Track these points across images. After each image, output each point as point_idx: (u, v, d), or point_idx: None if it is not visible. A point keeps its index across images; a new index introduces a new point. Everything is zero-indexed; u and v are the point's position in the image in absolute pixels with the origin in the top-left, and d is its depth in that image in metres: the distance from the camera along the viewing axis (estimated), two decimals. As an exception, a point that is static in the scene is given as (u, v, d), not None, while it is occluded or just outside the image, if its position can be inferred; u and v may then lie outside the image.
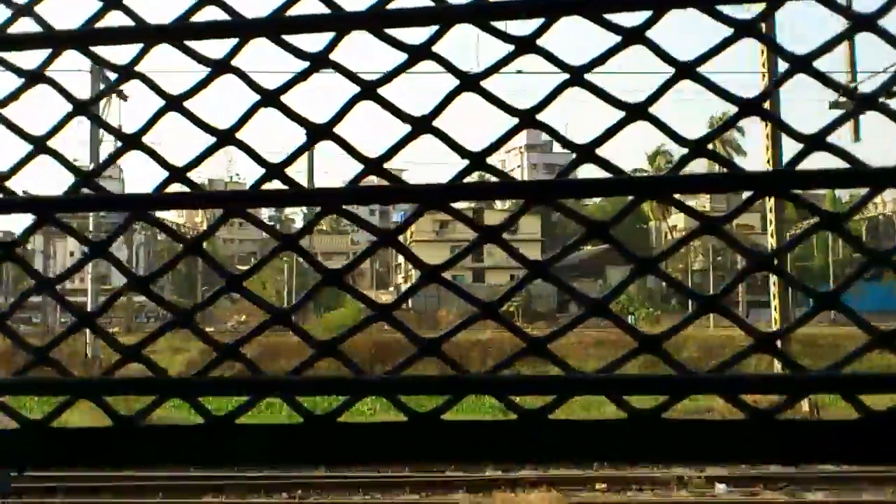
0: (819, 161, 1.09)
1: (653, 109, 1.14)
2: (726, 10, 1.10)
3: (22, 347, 1.16)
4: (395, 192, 1.17)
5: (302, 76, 1.24)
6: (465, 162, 1.16)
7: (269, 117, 1.30)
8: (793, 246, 1.15)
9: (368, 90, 1.21)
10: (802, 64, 1.11)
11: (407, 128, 1.19)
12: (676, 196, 1.11)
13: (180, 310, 1.16)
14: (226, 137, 1.23)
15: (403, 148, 1.20)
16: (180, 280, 58.62)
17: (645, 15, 1.13)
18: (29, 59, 1.36)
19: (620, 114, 1.13)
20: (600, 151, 1.13)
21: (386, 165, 1.19)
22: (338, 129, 1.22)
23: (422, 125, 1.18)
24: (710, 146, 1.12)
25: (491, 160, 1.15)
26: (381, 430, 1.09)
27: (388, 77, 1.21)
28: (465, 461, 1.08)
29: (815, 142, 1.10)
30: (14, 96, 1.32)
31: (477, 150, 1.17)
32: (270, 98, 1.23)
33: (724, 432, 1.04)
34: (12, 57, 1.33)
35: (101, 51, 1.31)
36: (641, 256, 1.11)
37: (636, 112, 1.13)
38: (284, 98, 1.23)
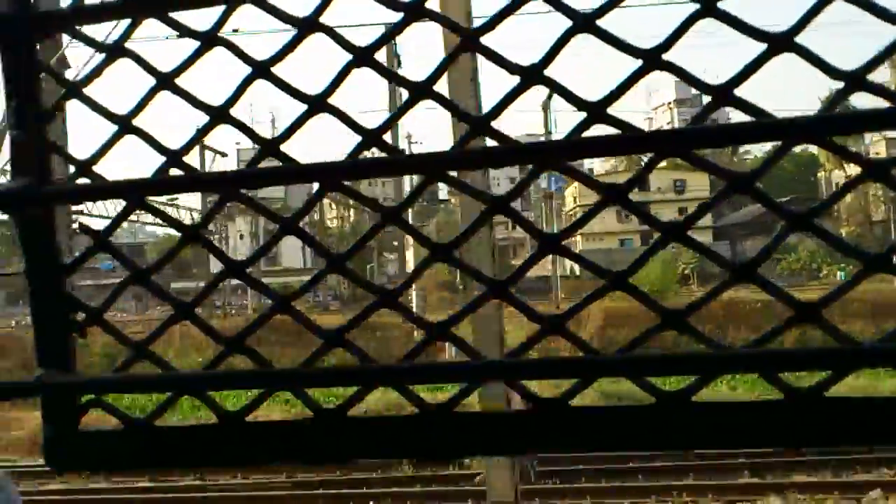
0: None
1: (799, 39, 0.98)
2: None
3: (121, 342, 1.11)
4: (504, 153, 1.05)
5: (397, 29, 1.12)
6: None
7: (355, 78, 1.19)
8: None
9: (470, 39, 1.08)
10: None
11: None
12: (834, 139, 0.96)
13: (279, 295, 1.08)
14: (317, 104, 1.13)
15: (511, 103, 1.08)
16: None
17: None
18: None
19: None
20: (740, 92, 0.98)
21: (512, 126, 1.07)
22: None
23: (532, 76, 1.06)
24: (871, 78, 0.96)
25: (638, 120, 1.01)
26: (501, 420, 0.99)
27: (492, 22, 1.09)
28: (604, 449, 0.97)
29: None
30: (97, 73, 1.25)
31: (595, 100, 1.04)
32: (363, 57, 1.12)
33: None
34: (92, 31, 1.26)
35: (184, 17, 1.23)
36: (794, 210, 0.96)
37: (780, 43, 0.98)
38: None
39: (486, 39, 1.09)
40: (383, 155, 1.08)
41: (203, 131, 1.20)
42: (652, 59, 1.00)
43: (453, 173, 1.08)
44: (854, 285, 0.96)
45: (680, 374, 0.93)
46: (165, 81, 1.20)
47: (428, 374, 0.99)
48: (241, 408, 1.04)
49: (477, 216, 1.08)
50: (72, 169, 1.22)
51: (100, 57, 1.23)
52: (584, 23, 1.02)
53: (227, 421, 1.04)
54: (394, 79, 1.16)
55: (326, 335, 1.07)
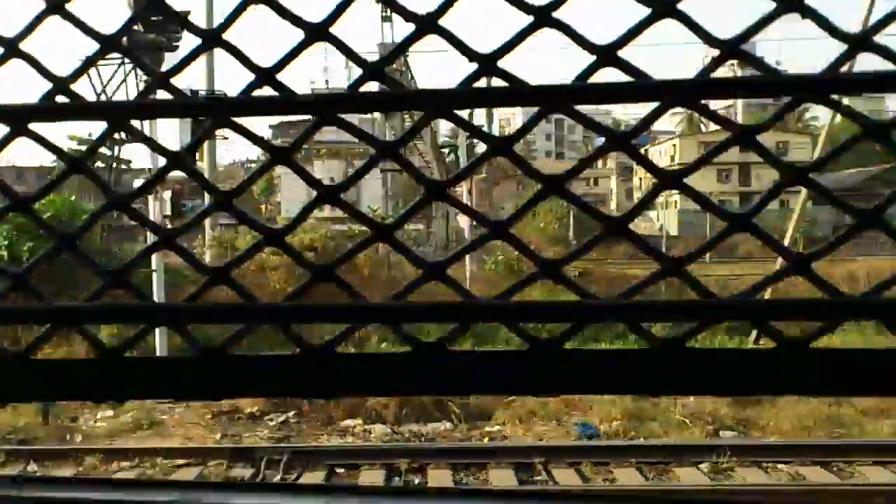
0: None
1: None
2: None
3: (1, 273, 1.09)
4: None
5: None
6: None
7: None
8: None
9: None
10: None
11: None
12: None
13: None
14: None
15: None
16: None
17: None
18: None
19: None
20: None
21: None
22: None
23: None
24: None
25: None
26: (384, 361, 1.01)
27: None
28: (471, 393, 1.01)
29: None
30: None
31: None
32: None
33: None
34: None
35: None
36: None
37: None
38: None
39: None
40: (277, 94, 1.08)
41: (93, 60, 1.18)
42: (542, 15, 1.01)
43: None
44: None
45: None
46: (57, 7, 1.17)
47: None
48: (121, 343, 1.04)
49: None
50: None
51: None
52: None
53: (106, 356, 1.03)
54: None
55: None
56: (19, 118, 1.12)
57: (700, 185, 0.99)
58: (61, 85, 1.14)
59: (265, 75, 1.09)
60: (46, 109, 1.14)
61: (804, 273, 0.96)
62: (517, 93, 0.98)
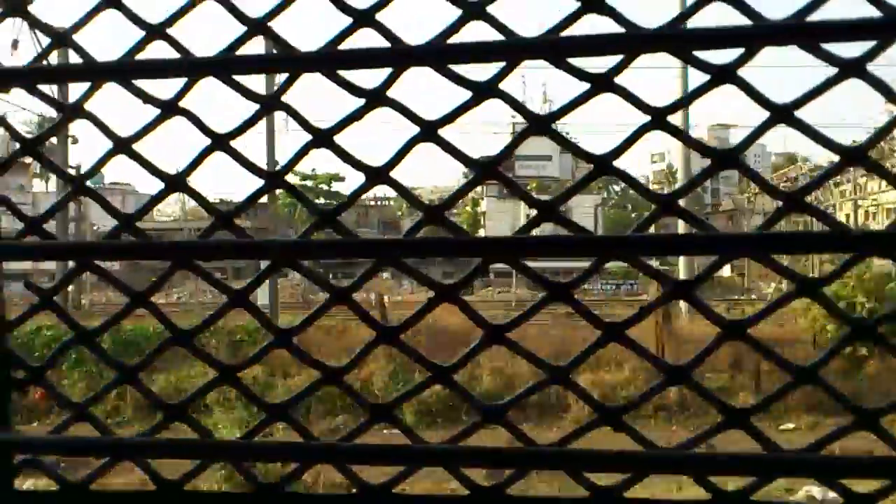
0: None
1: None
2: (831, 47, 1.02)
3: (60, 404, 1.10)
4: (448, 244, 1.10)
5: (357, 115, 1.17)
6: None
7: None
8: None
9: (429, 131, 1.13)
10: None
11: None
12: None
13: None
14: (274, 179, 1.17)
15: (464, 195, 1.13)
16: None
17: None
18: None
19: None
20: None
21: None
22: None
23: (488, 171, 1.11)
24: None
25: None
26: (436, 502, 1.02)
27: (450, 116, 1.14)
28: (530, 538, 1.01)
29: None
30: (54, 131, 1.27)
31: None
32: (324, 139, 1.16)
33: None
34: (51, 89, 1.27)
35: (143, 84, 1.25)
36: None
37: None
38: (339, 139, 1.16)
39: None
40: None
41: (157, 199, 1.22)
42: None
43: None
44: (783, 395, 1.02)
45: (611, 471, 0.97)
46: (123, 146, 1.22)
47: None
48: (180, 476, 1.05)
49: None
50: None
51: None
52: (539, 124, 1.08)
53: (164, 488, 1.04)
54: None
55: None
56: (86, 256, 1.16)
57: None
58: (127, 222, 1.18)
59: (328, 218, 1.14)
60: (114, 247, 1.18)
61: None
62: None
